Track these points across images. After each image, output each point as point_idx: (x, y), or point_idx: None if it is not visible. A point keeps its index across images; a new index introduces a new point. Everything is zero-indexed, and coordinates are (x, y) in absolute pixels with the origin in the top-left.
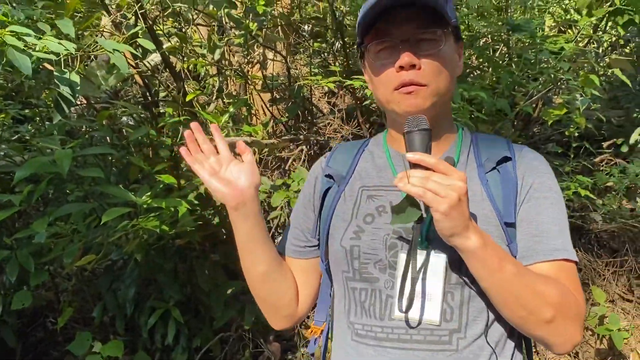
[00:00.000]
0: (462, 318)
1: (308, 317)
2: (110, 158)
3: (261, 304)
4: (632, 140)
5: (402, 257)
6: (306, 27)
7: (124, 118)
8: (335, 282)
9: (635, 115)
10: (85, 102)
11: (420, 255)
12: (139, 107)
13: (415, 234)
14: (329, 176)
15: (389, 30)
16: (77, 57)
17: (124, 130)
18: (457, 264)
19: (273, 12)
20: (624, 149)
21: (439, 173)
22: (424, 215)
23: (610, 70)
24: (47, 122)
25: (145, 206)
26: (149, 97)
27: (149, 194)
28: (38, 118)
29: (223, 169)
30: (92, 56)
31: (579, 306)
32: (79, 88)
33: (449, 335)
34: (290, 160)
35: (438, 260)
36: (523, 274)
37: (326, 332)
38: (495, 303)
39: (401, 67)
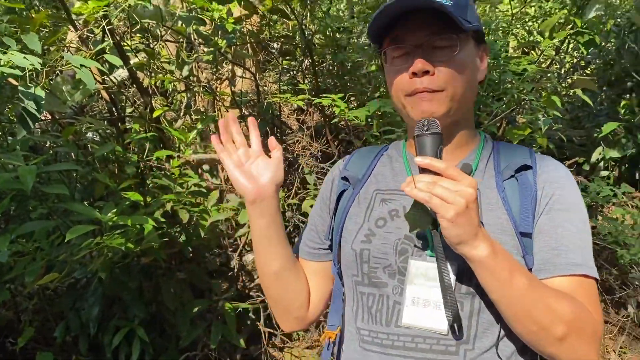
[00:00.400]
0: (470, 329)
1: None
2: (75, 175)
3: (272, 304)
4: (593, 159)
5: (412, 263)
6: (275, 44)
7: (89, 134)
8: (346, 286)
9: (596, 135)
10: (49, 117)
11: (429, 263)
12: (105, 122)
13: (436, 240)
14: (345, 179)
15: (404, 36)
16: (43, 72)
17: (89, 146)
18: (468, 273)
19: (242, 29)
20: (586, 167)
21: (448, 178)
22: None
23: (572, 91)
24: (9, 138)
25: (110, 224)
26: (115, 113)
27: (114, 211)
28: (0, 133)
29: (249, 161)
30: (57, 71)
31: (594, 325)
32: (43, 103)
33: (456, 346)
34: None
35: (449, 270)
36: (535, 287)
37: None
38: (505, 316)
39: (414, 74)
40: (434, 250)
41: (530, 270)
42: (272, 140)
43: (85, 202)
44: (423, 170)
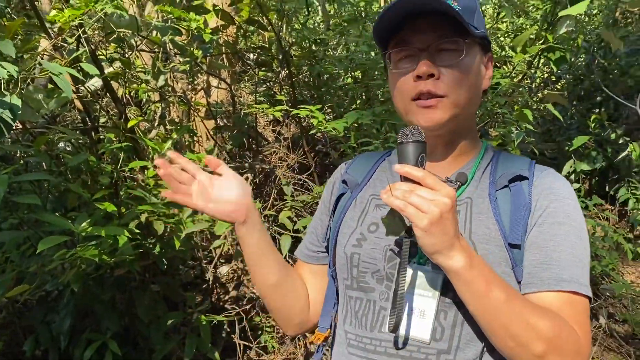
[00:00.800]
0: (452, 340)
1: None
2: (46, 185)
3: (274, 313)
4: (564, 172)
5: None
6: (252, 55)
7: (61, 144)
8: (339, 288)
9: (567, 148)
10: (20, 126)
11: (417, 270)
12: (78, 132)
13: (404, 248)
14: (344, 182)
15: (410, 39)
16: (19, 80)
17: (61, 156)
18: (451, 283)
19: (219, 40)
20: None
21: (426, 187)
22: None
23: (543, 105)
24: None
25: (83, 235)
26: (89, 123)
27: (87, 222)
28: None
29: (210, 190)
30: (30, 80)
31: (577, 344)
32: (20, 112)
33: (437, 355)
34: None
35: (434, 277)
36: (514, 302)
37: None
38: (484, 330)
39: (419, 77)
40: (421, 258)
41: (519, 283)
42: (210, 160)
43: (58, 213)
44: (404, 178)
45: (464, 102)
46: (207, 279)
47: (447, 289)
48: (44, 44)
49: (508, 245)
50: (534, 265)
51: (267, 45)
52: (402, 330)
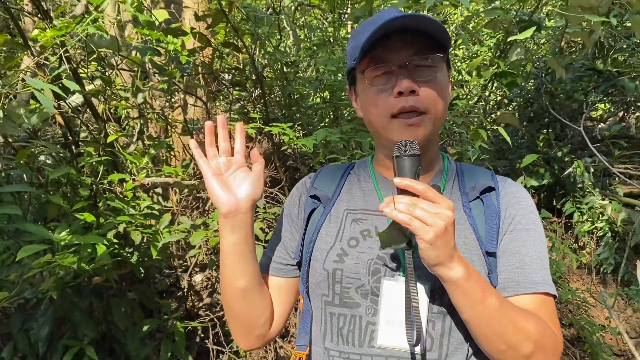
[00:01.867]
0: (442, 348)
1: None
2: (27, 197)
3: (234, 321)
4: None
5: (386, 283)
6: (227, 75)
7: (42, 157)
8: (314, 305)
9: (518, 165)
10: (2, 140)
11: (402, 283)
12: (59, 146)
13: (408, 259)
14: (314, 197)
15: (386, 56)
16: (1, 95)
17: (43, 169)
18: (439, 293)
19: (195, 60)
20: None
21: (427, 200)
22: (412, 241)
23: (496, 126)
24: None
25: (62, 244)
26: (70, 137)
27: (66, 231)
28: None
29: (229, 171)
30: (12, 95)
31: (556, 342)
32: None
33: None
34: (210, 201)
35: (421, 289)
36: (505, 307)
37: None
38: (475, 335)
39: (400, 93)
40: (405, 271)
41: (495, 287)
42: (254, 153)
43: (38, 223)
44: (401, 191)
45: (441, 117)
46: (182, 287)
47: (433, 300)
48: (27, 61)
49: (485, 253)
50: (510, 271)
51: (241, 67)
52: (393, 343)
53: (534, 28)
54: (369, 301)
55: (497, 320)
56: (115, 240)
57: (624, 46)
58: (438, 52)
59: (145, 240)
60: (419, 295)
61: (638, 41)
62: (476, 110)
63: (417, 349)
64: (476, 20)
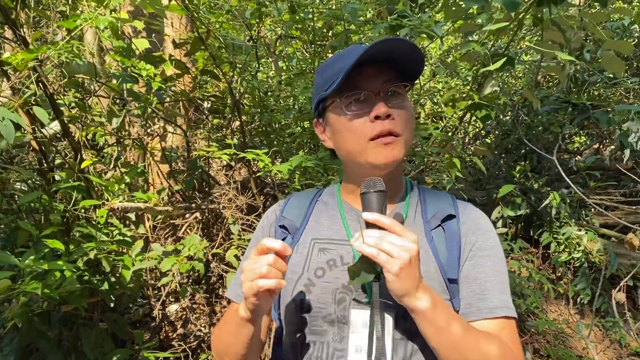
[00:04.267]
0: None
1: None
2: None
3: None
4: (492, 217)
5: (354, 312)
6: (206, 104)
7: (18, 184)
8: (285, 331)
9: (495, 195)
10: None
11: (368, 311)
12: (34, 173)
13: (375, 291)
14: (283, 227)
15: (361, 84)
16: None
17: (15, 195)
18: (402, 320)
19: (174, 88)
20: None
21: (394, 233)
22: (380, 274)
23: (471, 157)
24: None
25: (29, 270)
26: (45, 164)
27: (32, 257)
28: None
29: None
30: None
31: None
32: None
33: None
34: (184, 228)
35: (387, 317)
36: (469, 333)
37: None
38: (441, 359)
39: (376, 117)
40: (370, 301)
41: (457, 312)
42: (286, 246)
43: (7, 250)
44: (369, 224)
45: (410, 142)
46: (155, 316)
47: (396, 327)
48: (3, 86)
49: (447, 280)
50: (471, 297)
51: (220, 95)
52: None
53: (504, 59)
54: (336, 328)
55: (462, 345)
56: (83, 267)
57: (598, 80)
58: (408, 80)
59: (117, 267)
60: (385, 323)
61: (610, 75)
62: (454, 143)
63: None
64: (454, 54)
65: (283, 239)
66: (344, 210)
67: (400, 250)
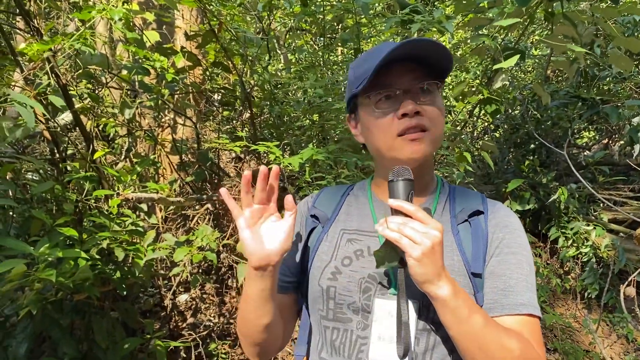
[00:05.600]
0: None
1: None
2: (11, 212)
3: (251, 347)
4: None
5: (377, 302)
6: (216, 96)
7: (30, 174)
8: (312, 319)
9: (503, 190)
10: None
11: (393, 301)
12: (46, 163)
13: (400, 277)
14: (314, 217)
15: (389, 81)
16: None
17: (28, 185)
18: (425, 310)
19: (185, 80)
20: None
21: (417, 220)
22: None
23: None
24: None
25: (43, 258)
26: (57, 154)
27: (46, 245)
28: None
29: (262, 219)
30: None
31: (539, 359)
32: None
33: None
34: (195, 218)
35: (410, 306)
36: (490, 325)
37: None
38: (461, 351)
39: (404, 115)
40: (397, 288)
41: (480, 307)
42: (289, 200)
43: (21, 239)
44: (395, 211)
45: (439, 138)
46: (166, 306)
47: (419, 317)
48: (17, 77)
49: (471, 274)
50: (495, 292)
51: (231, 87)
52: (382, 357)
53: (517, 56)
54: (360, 317)
55: (482, 337)
56: (96, 256)
57: (607, 75)
58: (438, 79)
59: (129, 257)
60: (409, 311)
61: (620, 71)
62: (463, 136)
63: None
64: (464, 48)
65: (313, 228)
66: (373, 202)
67: (423, 236)
